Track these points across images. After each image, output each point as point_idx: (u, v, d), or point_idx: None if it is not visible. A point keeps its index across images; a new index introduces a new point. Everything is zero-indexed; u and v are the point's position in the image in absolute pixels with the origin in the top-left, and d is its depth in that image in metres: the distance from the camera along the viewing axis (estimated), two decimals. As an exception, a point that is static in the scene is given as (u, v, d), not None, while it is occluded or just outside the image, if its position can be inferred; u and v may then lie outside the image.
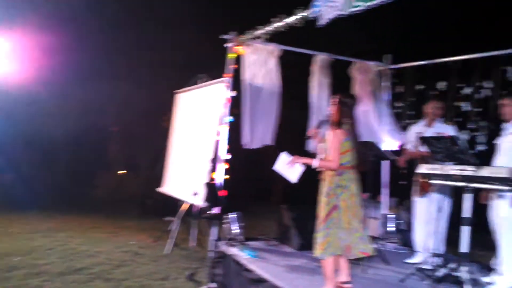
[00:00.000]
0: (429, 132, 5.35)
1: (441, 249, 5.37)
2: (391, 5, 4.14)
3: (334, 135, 4.28)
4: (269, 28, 5.77)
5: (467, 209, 4.43)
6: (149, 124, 12.76)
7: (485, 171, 4.19)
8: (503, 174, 4.02)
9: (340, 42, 7.51)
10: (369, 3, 4.29)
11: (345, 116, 4.32)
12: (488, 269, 4.87)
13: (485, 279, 4.55)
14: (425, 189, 5.47)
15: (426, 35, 6.89)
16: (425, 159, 5.28)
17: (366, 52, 7.44)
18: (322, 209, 4.26)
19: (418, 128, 5.58)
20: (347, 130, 4.29)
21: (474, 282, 4.35)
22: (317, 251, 4.23)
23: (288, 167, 4.47)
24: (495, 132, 5.42)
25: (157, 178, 9.20)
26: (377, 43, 7.53)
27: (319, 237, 4.24)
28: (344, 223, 4.22)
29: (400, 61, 7.26)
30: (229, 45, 6.29)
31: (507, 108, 4.59)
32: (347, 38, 7.59)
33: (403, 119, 7.17)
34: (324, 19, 4.83)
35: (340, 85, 7.28)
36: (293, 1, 5.28)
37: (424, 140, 4.72)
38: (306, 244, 5.77)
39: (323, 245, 4.20)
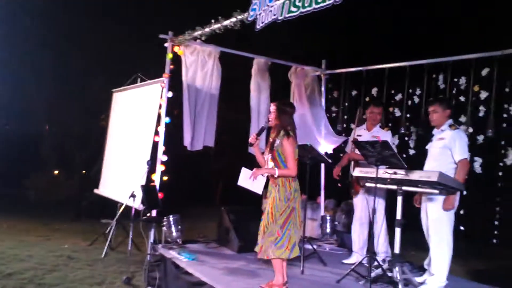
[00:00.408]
0: (367, 136, 5.54)
1: (385, 250, 5.54)
2: (327, 12, 4.25)
3: (289, 144, 4.34)
4: (207, 29, 5.74)
5: (399, 211, 4.65)
6: (86, 123, 12.36)
7: (415, 175, 4.40)
8: (432, 178, 4.24)
9: (279, 46, 7.61)
10: (303, 10, 4.38)
11: (287, 124, 4.41)
12: (421, 269, 5.09)
13: (418, 279, 4.76)
14: (357, 191, 5.67)
15: (362, 42, 7.13)
16: (359, 163, 5.48)
17: (304, 56, 7.57)
18: (280, 213, 4.30)
19: (358, 132, 5.75)
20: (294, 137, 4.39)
21: (407, 282, 4.56)
22: (283, 252, 4.27)
23: (251, 181, 4.47)
24: (425, 137, 5.72)
25: (93, 179, 8.94)
26: (315, 48, 7.69)
27: (283, 239, 4.28)
28: (298, 224, 4.37)
29: (336, 66, 7.46)
30: (167, 45, 6.22)
31: (435, 114, 4.83)
32: (286, 42, 7.70)
33: (338, 123, 7.38)
34: (260, 24, 4.89)
35: (279, 89, 7.43)
36: (235, 4, 5.29)
37: (357, 144, 4.89)
38: (246, 246, 5.82)
39: (289, 245, 4.28)
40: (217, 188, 13.97)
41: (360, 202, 5.72)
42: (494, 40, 5.37)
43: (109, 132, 8.66)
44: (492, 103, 5.21)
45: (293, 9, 4.46)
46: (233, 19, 5.32)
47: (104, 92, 9.13)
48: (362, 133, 5.74)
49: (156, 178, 6.02)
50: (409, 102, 6.25)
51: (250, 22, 5.01)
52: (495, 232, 5.31)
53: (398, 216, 4.65)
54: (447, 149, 4.68)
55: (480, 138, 5.41)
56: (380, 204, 5.52)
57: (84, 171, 12.77)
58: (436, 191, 4.39)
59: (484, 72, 5.34)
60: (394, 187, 4.66)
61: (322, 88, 7.66)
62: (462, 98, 5.61)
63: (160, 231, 5.99)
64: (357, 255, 5.64)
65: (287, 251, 4.28)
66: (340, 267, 5.34)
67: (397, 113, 6.48)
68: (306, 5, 4.30)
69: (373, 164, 4.70)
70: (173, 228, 5.87)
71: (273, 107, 4.49)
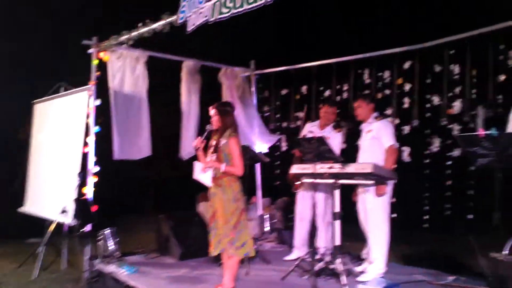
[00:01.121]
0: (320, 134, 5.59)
1: (325, 245, 5.54)
2: (256, 12, 4.27)
3: (235, 143, 4.36)
4: (134, 33, 5.59)
5: (337, 204, 4.76)
6: (2, 137, 11.57)
7: (350, 168, 4.53)
8: (366, 169, 4.38)
9: (208, 48, 7.57)
10: (234, 10, 4.37)
11: (231, 123, 4.41)
12: (359, 259, 5.24)
13: (358, 269, 4.90)
14: (296, 188, 5.73)
15: (290, 42, 7.25)
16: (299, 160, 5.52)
17: (233, 57, 7.57)
18: (231, 214, 4.28)
19: (310, 129, 5.74)
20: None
21: (348, 272, 4.68)
22: (239, 252, 4.28)
23: (202, 174, 4.41)
24: (355, 131, 5.91)
25: (16, 196, 8.39)
26: (244, 49, 7.72)
27: (238, 239, 4.27)
28: (246, 224, 4.40)
29: (265, 66, 7.52)
30: (91, 51, 5.98)
31: (359, 109, 4.99)
32: (215, 44, 7.68)
33: (271, 122, 7.45)
34: (191, 26, 4.82)
35: (210, 91, 7.37)
36: (160, 6, 5.18)
37: (294, 141, 4.95)
38: (188, 253, 5.74)
39: (246, 245, 4.30)
40: (149, 196, 13.64)
41: (300, 199, 5.79)
42: (415, 34, 5.62)
43: (33, 146, 8.18)
44: (416, 95, 5.45)
45: (224, 10, 4.43)
46: (162, 22, 5.20)
47: (24, 103, 8.59)
48: (314, 131, 5.77)
49: (89, 190, 5.76)
50: (338, 97, 6.42)
51: (180, 25, 4.93)
52: (425, 217, 5.58)
53: (337, 208, 4.77)
54: (376, 140, 4.86)
55: (407, 128, 5.66)
56: (322, 199, 5.60)
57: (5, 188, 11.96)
58: (372, 182, 4.54)
59: (407, 65, 5.59)
60: (330, 181, 4.77)
61: (253, 89, 7.70)
62: (387, 91, 5.84)
63: (96, 245, 5.74)
64: (298, 251, 5.70)
65: (244, 250, 4.30)
66: (283, 264, 5.39)
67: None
68: (237, 5, 4.29)
69: (311, 160, 4.78)
70: (109, 242, 5.66)
71: (213, 110, 4.47)
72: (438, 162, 5.48)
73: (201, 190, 8.96)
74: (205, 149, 4.61)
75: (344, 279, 4.49)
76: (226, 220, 4.28)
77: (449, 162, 5.30)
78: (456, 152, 5.21)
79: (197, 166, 4.59)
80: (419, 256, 5.55)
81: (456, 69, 5.14)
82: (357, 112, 5.00)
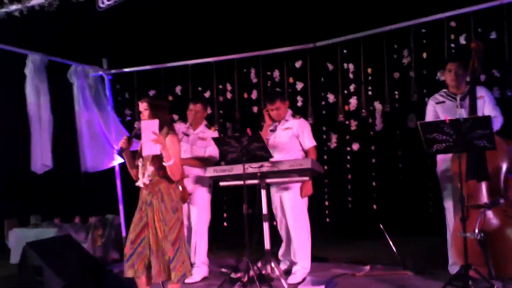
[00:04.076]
0: (194, 136, 5.10)
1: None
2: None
3: (176, 141, 3.72)
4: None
5: (264, 206, 4.48)
6: None
7: (284, 165, 4.32)
8: (305, 165, 4.23)
9: (56, 42, 6.40)
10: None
11: (165, 121, 3.77)
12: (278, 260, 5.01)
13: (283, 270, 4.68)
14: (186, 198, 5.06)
15: (157, 38, 6.62)
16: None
17: (84, 54, 6.57)
18: (170, 227, 3.62)
19: (183, 130, 5.19)
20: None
21: (272, 276, 4.41)
22: (176, 276, 3.59)
23: (151, 138, 3.53)
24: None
25: None
26: (96, 45, 6.76)
27: (176, 258, 3.59)
28: (185, 241, 3.82)
29: (124, 65, 6.73)
30: None
31: (279, 111, 4.77)
32: (64, 38, 6.53)
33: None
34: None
35: (58, 92, 6.27)
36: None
37: (218, 140, 4.49)
38: (72, 284, 4.69)
39: (183, 266, 3.63)
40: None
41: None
42: (306, 33, 5.69)
43: None
44: (309, 93, 5.52)
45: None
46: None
47: None
48: (186, 131, 5.25)
49: None
50: (221, 98, 6.10)
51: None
52: (326, 212, 5.69)
53: (265, 210, 4.49)
54: (295, 138, 4.75)
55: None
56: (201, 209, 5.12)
57: None
58: (304, 178, 4.41)
59: (298, 64, 5.62)
60: (255, 181, 4.47)
61: (107, 90, 6.80)
62: (277, 90, 5.78)
63: None
64: (199, 269, 5.07)
65: (183, 270, 3.64)
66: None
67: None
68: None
69: (234, 161, 4.41)
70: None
71: (144, 105, 3.74)
72: (338, 158, 5.65)
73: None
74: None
75: (285, 283, 4.23)
76: (165, 234, 3.61)
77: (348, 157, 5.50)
78: (355, 147, 5.45)
79: (152, 123, 3.69)
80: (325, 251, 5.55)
81: (350, 67, 5.36)
82: (278, 113, 4.77)
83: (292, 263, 4.80)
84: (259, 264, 4.43)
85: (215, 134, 5.15)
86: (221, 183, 4.74)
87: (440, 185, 4.49)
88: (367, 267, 4.91)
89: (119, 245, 6.58)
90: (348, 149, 5.53)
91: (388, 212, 5.54)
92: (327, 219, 5.58)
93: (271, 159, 4.44)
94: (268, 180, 4.48)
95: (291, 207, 4.68)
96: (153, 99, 3.82)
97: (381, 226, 4.90)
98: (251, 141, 4.25)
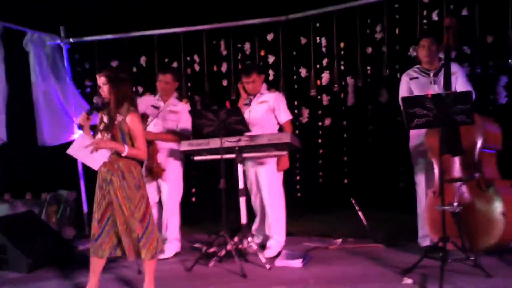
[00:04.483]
0: (165, 109, 4.91)
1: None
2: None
3: (137, 120, 3.52)
4: None
5: (241, 180, 4.42)
6: None
7: (263, 139, 4.26)
8: (284, 139, 4.19)
9: (10, 7, 5.92)
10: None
11: (128, 95, 3.56)
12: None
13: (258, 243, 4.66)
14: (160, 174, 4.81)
15: (118, 5, 6.28)
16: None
17: (42, 21, 6.17)
18: (135, 205, 3.46)
19: (152, 103, 4.97)
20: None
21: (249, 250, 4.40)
22: (148, 253, 3.46)
23: (88, 152, 3.34)
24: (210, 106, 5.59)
25: None
26: (57, 9, 6.34)
27: (146, 235, 3.46)
28: (153, 216, 3.62)
29: (83, 33, 6.37)
30: None
31: (254, 84, 4.63)
32: (19, 3, 6.05)
33: (95, 99, 6.36)
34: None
35: (14, 61, 5.89)
36: None
37: (196, 113, 4.35)
38: (38, 262, 4.49)
39: (154, 242, 3.50)
40: None
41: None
42: (277, 5, 5.57)
43: None
44: (281, 67, 5.45)
45: None
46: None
47: None
48: (155, 104, 5.02)
49: None
50: (189, 70, 5.93)
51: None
52: (297, 187, 5.71)
53: (241, 185, 4.43)
54: (271, 112, 4.69)
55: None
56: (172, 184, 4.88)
57: None
58: (284, 153, 4.38)
59: (270, 37, 5.52)
60: (232, 155, 4.39)
61: (65, 60, 6.44)
62: (248, 63, 5.67)
63: None
64: (172, 245, 4.95)
65: (156, 247, 3.52)
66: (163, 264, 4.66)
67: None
68: None
69: (210, 135, 4.31)
70: None
71: (102, 79, 3.52)
72: (309, 132, 5.63)
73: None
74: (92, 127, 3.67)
75: (262, 257, 4.22)
76: (131, 212, 3.47)
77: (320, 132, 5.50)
78: (326, 122, 5.45)
79: (80, 141, 3.56)
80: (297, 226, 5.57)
81: (323, 41, 5.32)
82: (254, 87, 4.65)
83: (266, 238, 4.79)
84: (236, 239, 4.38)
85: (187, 107, 4.97)
86: (196, 158, 4.62)
87: (412, 159, 4.57)
88: (339, 240, 4.97)
89: (75, 222, 6.36)
90: (320, 124, 5.53)
91: (359, 187, 5.61)
92: (298, 194, 5.60)
93: (248, 133, 4.36)
94: (245, 155, 4.40)
95: (267, 181, 4.63)
96: (112, 72, 3.58)
97: (353, 200, 4.95)
98: (230, 115, 4.16)
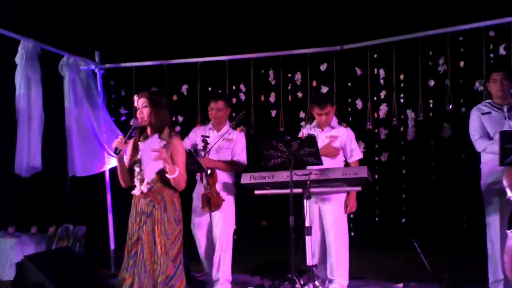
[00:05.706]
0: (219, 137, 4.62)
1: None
2: None
3: (180, 145, 3.33)
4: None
5: (308, 217, 4.10)
6: None
7: (337, 173, 3.97)
8: (360, 174, 3.90)
9: (47, 28, 5.66)
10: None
11: (168, 119, 3.40)
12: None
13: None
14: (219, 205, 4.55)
15: (160, 32, 6.06)
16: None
17: (77, 45, 5.92)
18: (172, 241, 3.19)
19: (204, 132, 4.69)
20: None
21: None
22: None
23: (151, 157, 3.12)
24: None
25: None
26: (90, 35, 6.10)
27: (175, 277, 3.16)
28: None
29: (119, 59, 6.11)
30: None
31: (329, 116, 4.44)
32: (57, 24, 5.80)
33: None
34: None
35: (51, 84, 5.61)
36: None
37: (265, 144, 4.04)
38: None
39: (182, 285, 3.21)
40: None
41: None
42: (330, 34, 5.38)
43: None
44: (334, 98, 5.21)
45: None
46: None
47: None
48: (211, 134, 4.73)
49: None
50: (234, 100, 5.65)
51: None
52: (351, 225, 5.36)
53: (308, 222, 4.10)
54: (340, 148, 4.43)
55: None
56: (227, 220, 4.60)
57: None
58: (358, 188, 4.08)
59: (323, 67, 5.31)
60: (299, 190, 4.08)
61: (99, 86, 6.15)
62: (299, 94, 5.44)
63: None
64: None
65: None
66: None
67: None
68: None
69: (275, 167, 4.02)
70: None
71: (142, 101, 3.28)
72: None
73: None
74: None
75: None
76: (165, 249, 3.15)
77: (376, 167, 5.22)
78: (384, 157, 5.18)
79: (151, 142, 3.23)
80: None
81: (381, 72, 5.11)
82: (327, 119, 4.41)
83: (325, 280, 4.44)
84: (302, 282, 4.02)
85: (242, 136, 4.71)
86: (257, 192, 4.29)
87: (483, 199, 4.30)
88: (400, 285, 4.64)
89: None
90: (376, 159, 5.25)
91: (418, 227, 5.30)
92: (352, 233, 5.27)
93: (320, 167, 4.07)
94: (313, 190, 4.09)
95: (334, 219, 4.32)
96: (154, 95, 3.35)
97: (414, 241, 4.64)
98: (303, 146, 3.87)
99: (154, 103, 3.28)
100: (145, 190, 3.21)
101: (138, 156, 3.29)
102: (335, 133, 4.43)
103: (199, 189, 4.33)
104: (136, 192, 3.22)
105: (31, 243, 5.73)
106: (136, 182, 3.24)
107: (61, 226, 6.15)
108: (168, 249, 3.14)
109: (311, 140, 3.90)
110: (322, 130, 4.46)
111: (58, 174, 5.96)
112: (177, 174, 3.18)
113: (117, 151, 3.23)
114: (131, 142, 3.37)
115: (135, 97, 3.35)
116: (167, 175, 3.18)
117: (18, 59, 5.14)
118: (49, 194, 6.60)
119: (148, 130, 3.32)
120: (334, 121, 4.50)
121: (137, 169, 3.25)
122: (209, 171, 4.21)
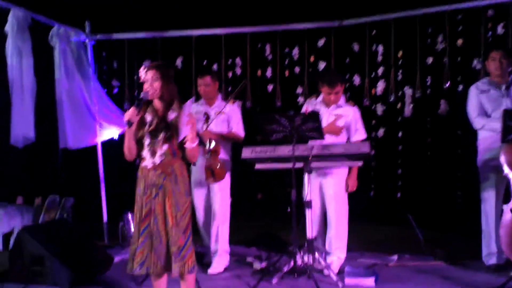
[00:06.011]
0: (212, 111, 4.58)
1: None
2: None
3: (191, 115, 3.26)
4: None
5: (307, 191, 4.13)
6: None
7: (338, 148, 3.98)
8: (363, 149, 3.93)
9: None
10: None
11: (176, 93, 3.29)
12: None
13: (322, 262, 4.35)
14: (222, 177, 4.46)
15: (151, 3, 5.89)
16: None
17: (68, 14, 5.73)
18: (182, 213, 3.16)
19: (196, 109, 4.63)
20: None
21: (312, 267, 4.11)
22: (188, 267, 3.13)
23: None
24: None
25: None
26: (80, 5, 5.91)
27: (186, 248, 3.13)
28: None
29: (111, 29, 5.95)
30: None
31: (339, 95, 4.32)
32: None
33: (125, 100, 5.95)
34: None
35: (42, 55, 5.45)
36: None
37: (266, 118, 4.03)
38: (81, 276, 4.06)
39: (193, 255, 3.18)
40: None
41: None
42: (329, 9, 5.32)
43: None
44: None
45: None
46: None
47: None
48: (204, 110, 4.68)
49: None
50: (229, 74, 5.60)
51: None
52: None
53: (308, 196, 4.12)
54: (345, 127, 4.38)
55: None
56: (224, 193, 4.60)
57: None
58: (359, 163, 4.11)
59: (321, 42, 5.28)
60: (300, 165, 4.09)
61: (90, 57, 5.99)
62: (296, 69, 5.41)
63: None
64: (220, 258, 4.57)
65: (194, 262, 3.19)
66: (209, 279, 4.30)
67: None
68: None
69: (277, 141, 4.02)
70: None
71: (153, 73, 3.18)
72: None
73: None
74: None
75: (333, 275, 3.93)
76: (176, 221, 3.14)
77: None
78: (380, 132, 5.21)
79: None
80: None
81: (379, 49, 5.10)
82: (336, 98, 4.31)
83: (322, 253, 4.49)
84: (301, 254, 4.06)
85: (237, 108, 4.69)
86: (257, 166, 4.28)
87: (479, 175, 4.37)
88: (395, 257, 4.73)
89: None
90: (373, 134, 5.28)
91: (413, 202, 5.38)
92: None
93: (322, 141, 4.08)
94: (314, 164, 4.10)
95: (334, 194, 4.33)
96: (164, 67, 3.25)
97: (409, 216, 4.73)
98: (306, 121, 3.86)
99: (165, 76, 3.19)
100: (158, 161, 3.17)
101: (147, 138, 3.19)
102: (341, 111, 4.33)
103: (201, 163, 4.30)
104: (147, 164, 3.18)
105: (17, 213, 5.65)
106: (146, 155, 3.17)
107: (48, 197, 6.07)
108: (179, 220, 3.12)
109: (314, 115, 3.89)
110: (328, 107, 4.40)
111: (50, 146, 5.84)
112: (196, 144, 3.16)
113: (130, 124, 3.16)
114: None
115: (141, 69, 3.26)
116: (186, 145, 3.13)
117: (8, 27, 4.96)
118: (39, 166, 6.47)
119: (157, 103, 3.24)
120: (342, 99, 4.41)
121: (147, 141, 3.20)
122: (213, 143, 4.17)
